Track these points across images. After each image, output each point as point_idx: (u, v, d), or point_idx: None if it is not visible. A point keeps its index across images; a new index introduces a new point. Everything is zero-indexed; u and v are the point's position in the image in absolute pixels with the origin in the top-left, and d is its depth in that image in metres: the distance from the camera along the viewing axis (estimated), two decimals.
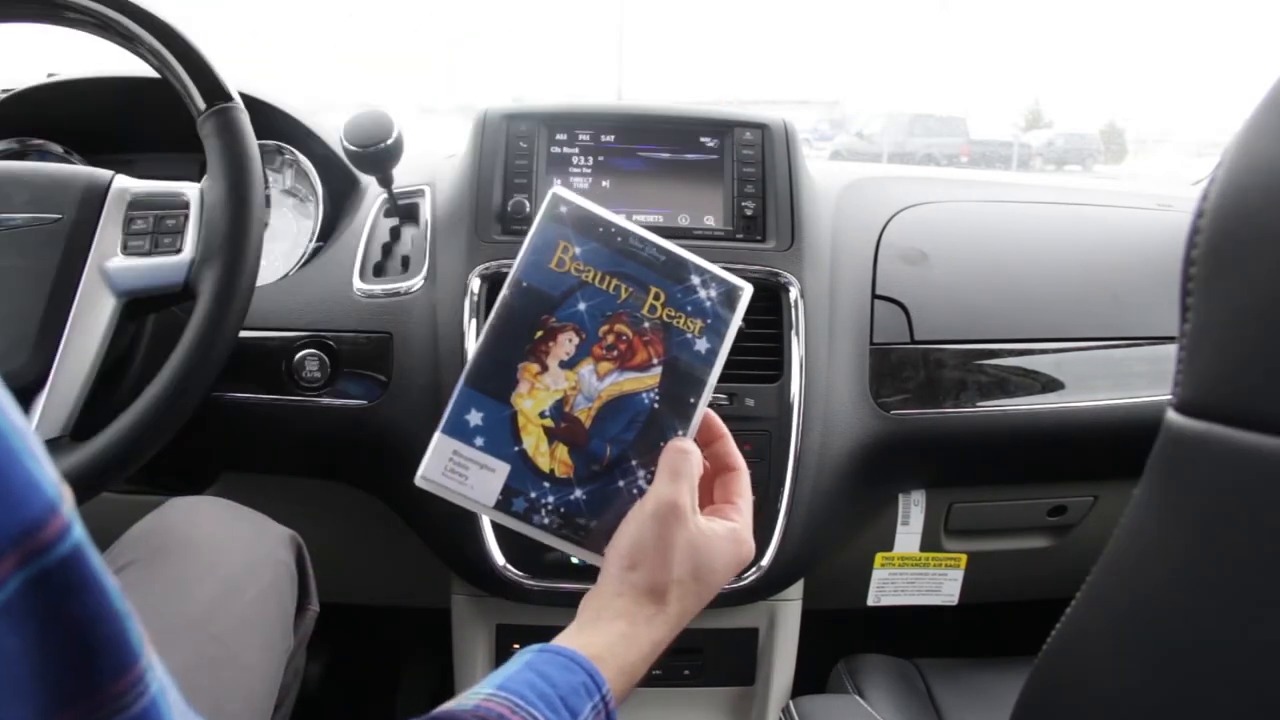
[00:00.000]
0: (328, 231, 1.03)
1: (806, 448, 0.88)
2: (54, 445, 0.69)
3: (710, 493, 0.56)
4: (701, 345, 0.55)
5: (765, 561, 0.88)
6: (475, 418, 0.52)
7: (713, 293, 0.55)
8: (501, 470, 0.53)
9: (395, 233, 0.99)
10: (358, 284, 0.93)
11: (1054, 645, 0.46)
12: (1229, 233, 0.37)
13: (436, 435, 0.52)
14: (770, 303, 0.90)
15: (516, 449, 0.53)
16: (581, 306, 0.53)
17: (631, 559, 0.51)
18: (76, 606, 0.29)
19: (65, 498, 0.29)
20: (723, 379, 0.88)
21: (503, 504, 0.53)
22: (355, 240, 0.97)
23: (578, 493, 0.53)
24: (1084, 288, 1.01)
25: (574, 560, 0.60)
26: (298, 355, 0.89)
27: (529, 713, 0.43)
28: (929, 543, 1.05)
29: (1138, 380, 0.97)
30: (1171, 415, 0.39)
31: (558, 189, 0.55)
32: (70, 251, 0.72)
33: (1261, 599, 0.35)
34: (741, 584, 0.88)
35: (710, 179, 0.95)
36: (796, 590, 1.00)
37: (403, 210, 0.99)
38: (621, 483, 0.54)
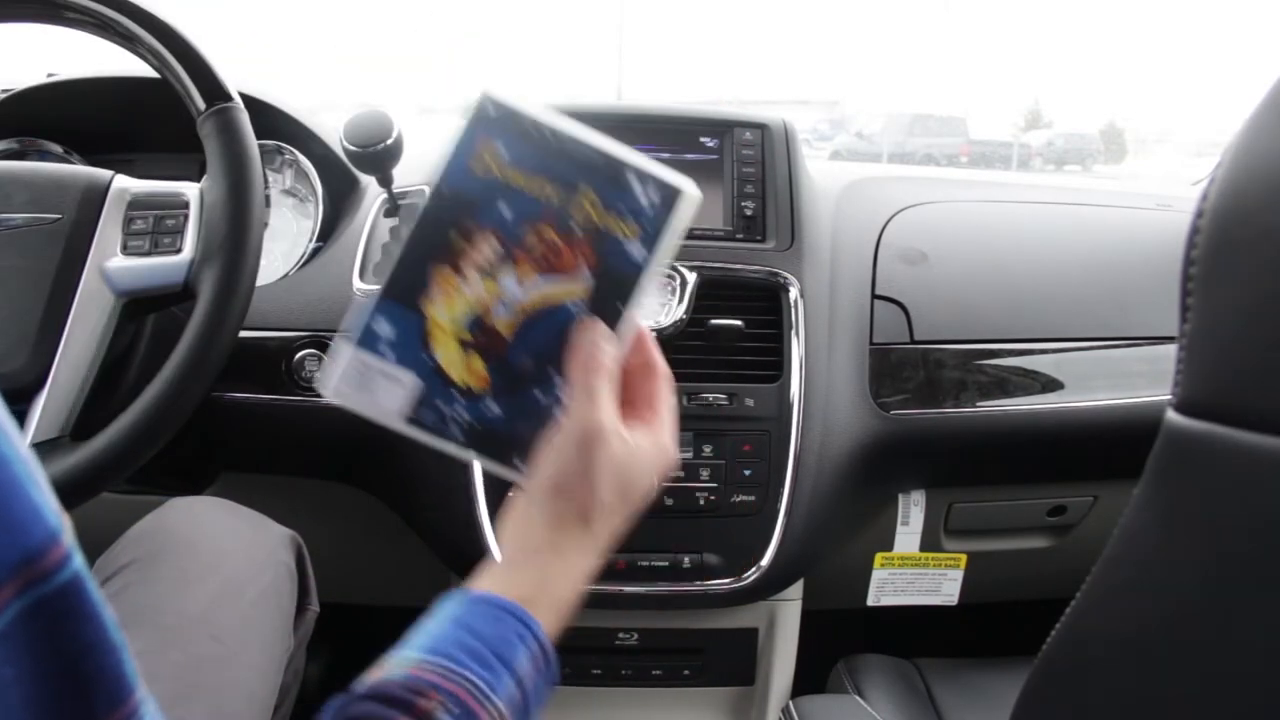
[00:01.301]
0: (328, 231, 1.03)
1: (806, 448, 0.88)
2: (54, 445, 0.69)
3: (632, 396, 0.53)
4: (635, 250, 0.50)
5: (765, 561, 0.88)
6: (385, 327, 0.49)
7: (651, 194, 0.51)
8: (411, 382, 0.50)
9: (395, 233, 0.99)
10: (358, 284, 0.93)
11: (1054, 645, 0.46)
12: (1229, 233, 0.37)
13: (341, 345, 0.49)
14: (770, 303, 0.91)
15: (428, 360, 0.50)
16: (505, 211, 0.50)
17: (555, 487, 0.48)
18: (73, 636, 0.29)
19: (66, 526, 0.29)
20: (722, 379, 0.89)
21: (412, 417, 0.50)
22: (355, 240, 0.97)
23: (494, 406, 0.50)
24: (1084, 288, 1.01)
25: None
26: (297, 355, 0.89)
27: (463, 677, 0.41)
28: (929, 543, 1.05)
29: (1138, 380, 0.97)
30: (1171, 415, 0.39)
31: (487, 89, 0.50)
32: (70, 251, 0.72)
33: (1261, 599, 0.35)
34: (742, 584, 0.88)
35: (710, 179, 0.95)
36: (796, 590, 1.00)
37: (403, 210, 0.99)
38: (542, 396, 0.50)
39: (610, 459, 0.48)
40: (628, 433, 0.49)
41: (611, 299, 0.50)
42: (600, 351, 0.49)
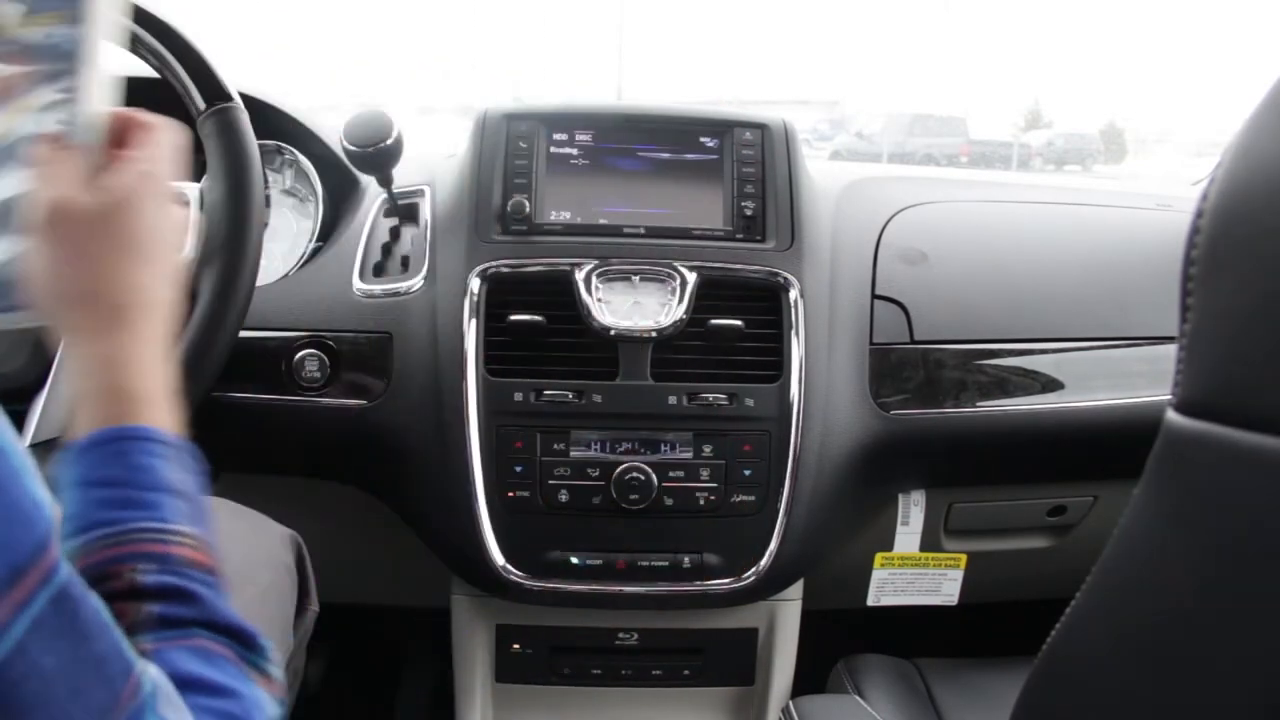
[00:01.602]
0: (327, 231, 1.02)
1: (806, 448, 0.88)
2: (53, 446, 0.69)
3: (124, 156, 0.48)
4: (64, 34, 0.46)
5: (765, 561, 0.88)
6: None
7: None
8: None
9: (395, 233, 0.99)
10: (357, 284, 0.93)
11: (1054, 645, 0.46)
12: (1228, 233, 0.37)
13: None
14: (770, 303, 0.91)
15: None
16: None
17: (67, 294, 0.44)
18: (87, 618, 0.30)
19: (58, 516, 0.30)
20: (722, 379, 0.89)
21: None
22: (355, 240, 0.97)
23: None
24: (1084, 288, 1.01)
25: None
26: (297, 355, 0.89)
27: (129, 533, 0.39)
28: (929, 543, 1.05)
29: (1137, 380, 0.97)
30: (1171, 415, 0.39)
31: None
32: None
33: (1260, 599, 0.35)
34: (742, 584, 0.88)
35: (710, 179, 0.95)
36: (796, 590, 1.00)
37: (402, 210, 0.99)
38: None
39: (85, 219, 0.44)
40: (104, 181, 0.45)
41: (67, 89, 0.46)
42: (41, 152, 0.45)
